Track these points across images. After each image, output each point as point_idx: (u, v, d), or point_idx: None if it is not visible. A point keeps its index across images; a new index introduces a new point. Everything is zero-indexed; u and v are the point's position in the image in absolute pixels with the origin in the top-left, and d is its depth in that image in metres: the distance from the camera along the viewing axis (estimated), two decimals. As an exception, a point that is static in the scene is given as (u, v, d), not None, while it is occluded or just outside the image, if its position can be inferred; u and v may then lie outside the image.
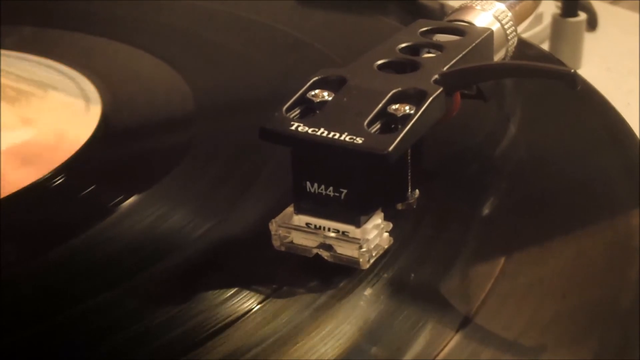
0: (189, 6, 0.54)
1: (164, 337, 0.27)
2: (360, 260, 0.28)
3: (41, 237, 0.33)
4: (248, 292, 0.29)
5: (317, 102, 0.29)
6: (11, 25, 0.50)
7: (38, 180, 0.35)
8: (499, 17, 0.36)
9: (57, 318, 0.29)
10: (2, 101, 0.40)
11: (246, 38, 0.49)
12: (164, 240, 0.32)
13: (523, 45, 0.43)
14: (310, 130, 0.28)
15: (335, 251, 0.29)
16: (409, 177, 0.29)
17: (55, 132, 0.39)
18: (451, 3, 0.47)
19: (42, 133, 0.39)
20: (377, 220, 0.29)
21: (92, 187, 0.35)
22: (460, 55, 0.32)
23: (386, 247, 0.29)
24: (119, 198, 0.34)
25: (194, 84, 0.43)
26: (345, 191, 0.28)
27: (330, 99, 0.29)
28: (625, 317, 0.28)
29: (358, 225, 0.28)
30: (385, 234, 0.29)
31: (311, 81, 0.30)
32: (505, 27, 0.36)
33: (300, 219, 0.29)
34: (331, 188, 0.28)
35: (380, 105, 0.29)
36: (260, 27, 0.50)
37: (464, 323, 0.27)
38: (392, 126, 0.28)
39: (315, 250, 0.29)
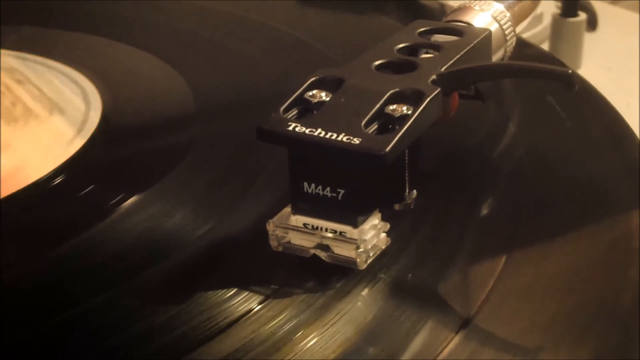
0: (189, 6, 0.54)
1: (164, 337, 0.27)
2: (358, 260, 0.28)
3: (41, 237, 0.33)
4: (248, 292, 0.29)
5: (315, 103, 0.29)
6: (11, 25, 0.50)
7: (38, 180, 0.35)
8: (498, 18, 0.36)
9: (57, 318, 0.29)
10: (4, 119, 0.39)
11: (246, 38, 0.49)
12: (164, 240, 0.32)
13: (523, 45, 0.43)
14: (307, 131, 0.28)
15: (332, 251, 0.29)
16: (407, 178, 0.29)
17: (18, 163, 0.38)
18: (451, 3, 0.47)
19: (7, 161, 0.37)
20: (375, 220, 0.29)
21: (92, 187, 0.35)
22: (458, 56, 0.32)
23: (384, 247, 0.29)
24: (119, 198, 0.34)
25: (194, 84, 0.43)
26: (342, 191, 0.28)
27: (327, 99, 0.29)
28: (625, 317, 0.28)
29: (355, 225, 0.28)
30: (383, 235, 0.29)
31: (309, 81, 0.30)
32: (504, 27, 0.36)
33: (298, 220, 0.29)
34: (328, 188, 0.28)
35: (377, 105, 0.29)
36: (260, 27, 0.50)
37: (464, 323, 0.27)
38: (390, 127, 0.28)
39: (312, 251, 0.29)
